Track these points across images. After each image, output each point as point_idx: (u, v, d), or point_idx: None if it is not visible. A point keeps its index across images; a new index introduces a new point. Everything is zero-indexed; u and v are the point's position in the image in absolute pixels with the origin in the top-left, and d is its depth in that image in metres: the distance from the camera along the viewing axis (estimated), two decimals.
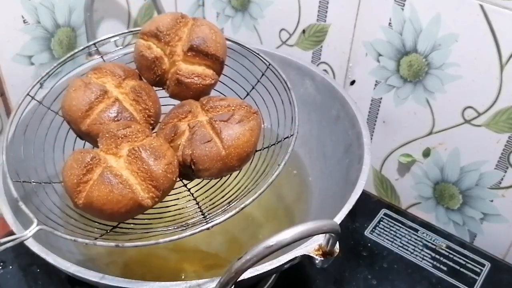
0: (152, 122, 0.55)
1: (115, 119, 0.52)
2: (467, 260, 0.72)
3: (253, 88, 0.62)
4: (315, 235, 0.43)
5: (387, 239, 0.75)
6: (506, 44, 0.61)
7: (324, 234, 0.46)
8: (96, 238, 0.48)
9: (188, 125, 0.52)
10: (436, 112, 0.71)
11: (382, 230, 0.76)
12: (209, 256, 0.66)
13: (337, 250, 0.47)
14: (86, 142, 0.55)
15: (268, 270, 0.48)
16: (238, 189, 0.53)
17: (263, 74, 0.61)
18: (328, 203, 0.64)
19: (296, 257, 0.48)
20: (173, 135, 0.51)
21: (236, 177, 0.54)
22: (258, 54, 0.61)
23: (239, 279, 0.41)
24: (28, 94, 0.57)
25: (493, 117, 0.66)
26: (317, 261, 0.47)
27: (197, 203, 0.53)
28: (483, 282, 0.70)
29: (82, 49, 0.62)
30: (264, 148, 0.56)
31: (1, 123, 0.72)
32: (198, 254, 0.66)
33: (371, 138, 0.79)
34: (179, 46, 0.55)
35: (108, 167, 0.47)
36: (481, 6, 0.60)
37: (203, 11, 0.90)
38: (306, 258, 0.48)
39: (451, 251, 0.73)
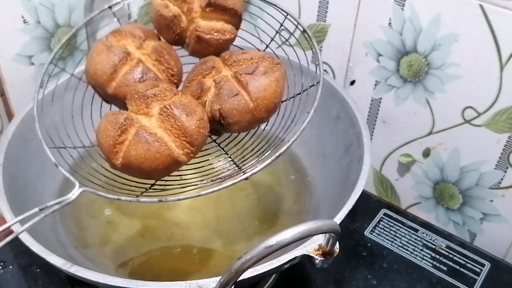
0: (175, 81, 0.55)
1: (141, 80, 0.52)
2: (467, 260, 0.72)
3: (272, 40, 0.61)
4: (315, 235, 0.43)
5: (387, 239, 0.75)
6: (506, 44, 0.61)
7: (324, 234, 0.46)
8: (137, 196, 0.49)
9: (214, 80, 0.52)
10: (436, 112, 0.71)
11: (382, 230, 0.76)
12: (208, 256, 0.66)
13: (337, 250, 0.47)
14: (113, 106, 0.55)
15: (268, 270, 0.48)
16: (269, 139, 0.53)
17: (281, 25, 0.60)
18: (328, 203, 0.64)
19: (296, 257, 0.48)
20: (199, 91, 0.52)
21: (264, 129, 0.54)
22: (275, 5, 0.60)
23: (239, 279, 0.41)
24: (51, 62, 0.57)
25: (493, 117, 0.66)
26: (317, 261, 0.47)
27: (230, 157, 0.54)
28: (483, 282, 0.70)
29: (99, 12, 0.61)
30: (290, 98, 0.56)
31: (1, 123, 0.72)
32: (197, 254, 0.66)
33: (371, 138, 0.79)
34: (196, 2, 0.54)
35: (142, 127, 0.48)
36: (481, 6, 0.60)
37: None
38: (306, 258, 0.48)
39: (451, 251, 0.73)
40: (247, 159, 0.53)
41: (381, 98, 0.75)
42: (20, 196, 0.59)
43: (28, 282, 0.67)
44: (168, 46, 0.56)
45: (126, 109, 0.50)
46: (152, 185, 0.51)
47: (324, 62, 0.79)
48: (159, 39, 0.57)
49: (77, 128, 0.57)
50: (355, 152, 0.63)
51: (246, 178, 0.48)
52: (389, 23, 0.69)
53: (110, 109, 0.55)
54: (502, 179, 0.69)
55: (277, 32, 0.61)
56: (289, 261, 0.48)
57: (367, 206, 0.80)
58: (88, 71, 0.54)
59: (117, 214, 0.69)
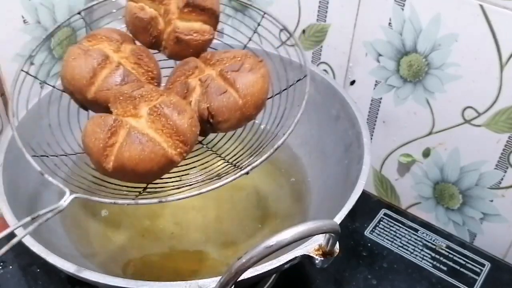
0: (155, 84, 0.54)
1: (122, 84, 0.51)
2: (467, 260, 0.72)
3: (249, 39, 0.61)
4: (315, 235, 0.43)
5: (387, 239, 0.75)
6: (506, 44, 0.61)
7: (324, 234, 0.46)
8: (134, 199, 0.48)
9: (200, 79, 0.51)
10: (436, 112, 0.71)
11: (382, 230, 0.76)
12: (209, 256, 0.66)
13: (337, 250, 0.47)
14: (91, 112, 0.54)
15: (268, 270, 0.48)
16: (260, 136, 0.53)
17: (259, 24, 0.60)
18: (328, 203, 0.64)
19: (296, 257, 0.48)
20: (185, 92, 0.51)
21: (251, 127, 0.54)
22: (250, 5, 0.60)
23: (239, 279, 0.41)
24: (22, 70, 0.55)
25: (493, 117, 0.66)
26: (317, 261, 0.47)
27: (220, 156, 0.53)
28: (483, 282, 0.70)
29: (68, 19, 0.61)
30: (276, 94, 0.56)
31: (1, 123, 0.72)
32: (197, 254, 0.66)
33: (371, 138, 0.79)
34: (172, 3, 0.54)
35: (134, 127, 0.47)
36: (481, 6, 0.60)
37: None
38: (306, 258, 0.48)
39: (451, 251, 0.73)
40: (240, 156, 0.52)
41: (381, 98, 0.75)
42: (20, 197, 0.59)
43: (28, 282, 0.67)
44: (145, 49, 0.55)
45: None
46: (145, 188, 0.50)
47: (324, 62, 0.79)
48: (135, 43, 0.56)
49: (56, 136, 0.56)
50: (355, 152, 0.63)
51: (247, 173, 0.47)
52: (389, 23, 0.69)
53: (88, 116, 0.54)
54: (502, 179, 0.69)
55: (254, 32, 0.61)
56: (289, 261, 0.48)
57: (367, 206, 0.80)
58: (65, 76, 0.52)
59: (117, 214, 0.69)
